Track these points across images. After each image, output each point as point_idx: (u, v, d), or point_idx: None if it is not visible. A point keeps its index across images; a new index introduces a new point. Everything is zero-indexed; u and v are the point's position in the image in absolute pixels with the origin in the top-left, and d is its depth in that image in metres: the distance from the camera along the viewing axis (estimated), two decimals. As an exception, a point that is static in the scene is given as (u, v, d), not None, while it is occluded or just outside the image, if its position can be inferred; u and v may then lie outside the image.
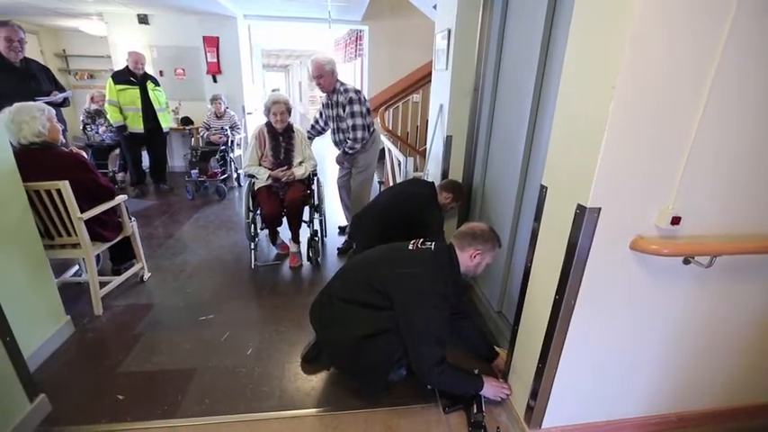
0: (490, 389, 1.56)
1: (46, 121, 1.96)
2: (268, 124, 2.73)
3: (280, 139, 2.73)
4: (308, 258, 2.87)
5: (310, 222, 2.91)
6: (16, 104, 1.97)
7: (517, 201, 1.94)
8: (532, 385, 1.40)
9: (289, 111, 2.71)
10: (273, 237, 3.00)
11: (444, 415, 1.58)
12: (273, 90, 14.16)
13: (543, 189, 1.30)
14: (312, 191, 2.87)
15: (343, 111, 2.80)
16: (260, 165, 2.76)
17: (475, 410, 1.53)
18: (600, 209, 1.09)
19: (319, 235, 2.95)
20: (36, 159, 1.89)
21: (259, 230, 2.88)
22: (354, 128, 2.80)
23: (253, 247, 2.80)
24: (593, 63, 1.04)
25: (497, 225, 2.07)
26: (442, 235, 2.37)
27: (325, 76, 2.74)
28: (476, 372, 1.60)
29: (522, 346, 1.52)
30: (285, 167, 2.73)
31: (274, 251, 3.04)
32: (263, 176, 2.71)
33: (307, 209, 2.86)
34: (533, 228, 1.37)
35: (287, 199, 2.68)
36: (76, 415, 1.54)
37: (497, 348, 1.85)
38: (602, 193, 1.07)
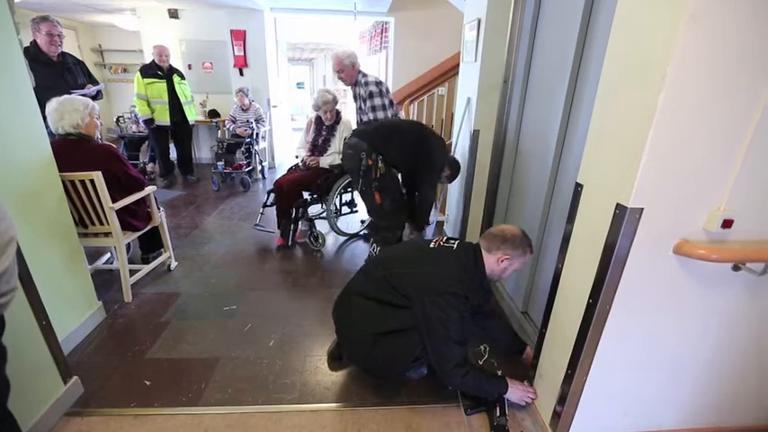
0: (515, 392, 1.51)
1: (87, 115, 2.03)
2: (317, 115, 3.03)
3: (321, 129, 3.04)
4: (310, 241, 3.00)
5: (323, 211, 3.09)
6: (66, 96, 2.05)
7: (547, 198, 1.86)
8: (560, 390, 1.34)
9: (335, 102, 2.95)
10: (277, 212, 3.03)
11: (466, 416, 1.54)
12: (298, 84, 14.21)
13: (578, 187, 1.23)
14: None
15: (365, 104, 2.78)
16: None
17: (498, 413, 1.48)
18: (642, 209, 1.01)
19: (331, 224, 3.07)
20: (71, 150, 1.96)
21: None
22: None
23: (261, 211, 3.12)
24: (642, 50, 0.96)
25: (525, 224, 1.99)
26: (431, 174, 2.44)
27: (345, 70, 2.75)
28: (499, 373, 1.55)
29: (549, 350, 1.46)
30: (311, 153, 3.03)
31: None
32: (299, 158, 3.16)
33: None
34: (566, 228, 1.30)
35: (287, 177, 2.95)
36: (107, 398, 1.59)
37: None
38: (645, 193, 0.99)
